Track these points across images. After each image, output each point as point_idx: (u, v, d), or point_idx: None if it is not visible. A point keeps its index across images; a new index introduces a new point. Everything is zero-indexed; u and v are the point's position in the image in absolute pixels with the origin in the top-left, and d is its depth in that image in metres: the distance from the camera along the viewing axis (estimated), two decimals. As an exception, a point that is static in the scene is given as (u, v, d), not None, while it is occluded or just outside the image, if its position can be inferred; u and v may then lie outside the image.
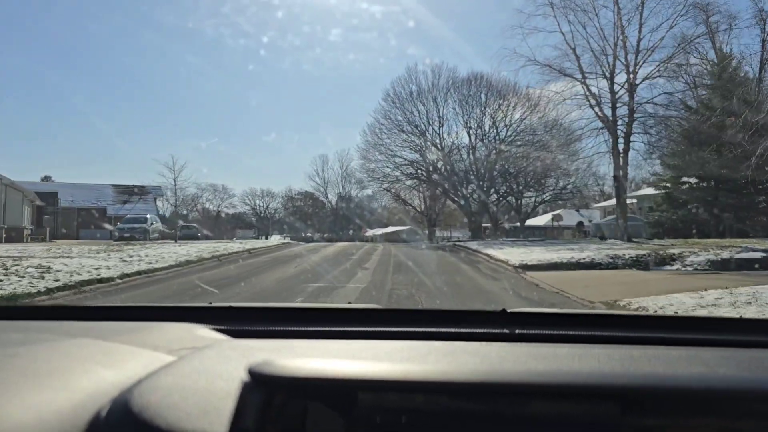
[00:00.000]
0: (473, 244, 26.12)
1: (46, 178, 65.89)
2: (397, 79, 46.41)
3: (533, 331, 1.24)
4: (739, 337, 1.22)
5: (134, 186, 53.27)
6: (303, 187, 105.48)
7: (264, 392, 0.63)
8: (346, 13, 49.13)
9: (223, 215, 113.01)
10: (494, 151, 41.47)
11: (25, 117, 74.87)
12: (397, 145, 46.81)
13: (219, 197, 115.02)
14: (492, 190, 44.79)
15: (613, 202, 46.84)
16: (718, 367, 0.95)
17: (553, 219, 56.35)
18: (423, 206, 64.57)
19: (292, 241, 35.26)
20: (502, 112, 42.59)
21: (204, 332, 1.22)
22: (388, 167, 47.96)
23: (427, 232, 60.67)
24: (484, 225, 49.58)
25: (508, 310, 1.32)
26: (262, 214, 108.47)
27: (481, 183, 44.10)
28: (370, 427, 0.63)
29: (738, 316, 2.30)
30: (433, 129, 46.15)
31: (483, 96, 43.44)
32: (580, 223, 50.61)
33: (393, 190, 55.21)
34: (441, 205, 63.49)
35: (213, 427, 0.64)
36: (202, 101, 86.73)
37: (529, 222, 55.07)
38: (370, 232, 77.68)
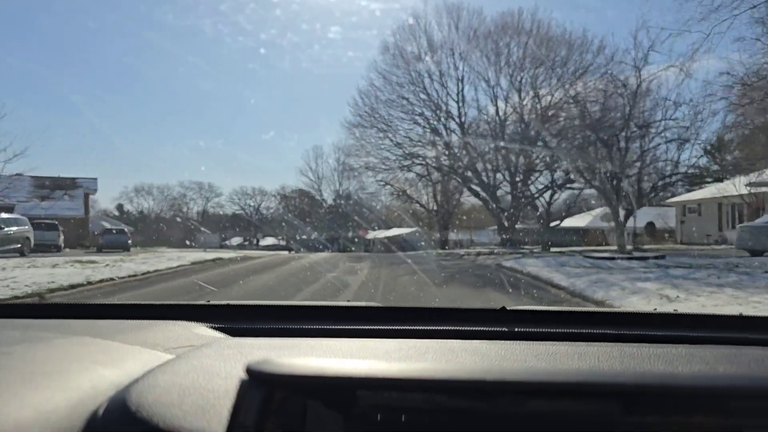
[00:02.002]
0: (537, 269, 12.86)
1: (19, 176, 57.58)
2: (400, 26, 33.30)
3: (533, 329, 1.22)
4: (739, 335, 1.20)
5: (59, 178, 40.12)
6: (297, 184, 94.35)
7: (263, 390, 0.61)
8: (346, 11, 43.66)
9: (209, 215, 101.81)
10: (547, 114, 27.79)
11: (20, 115, 71.51)
12: (400, 118, 33.53)
13: (204, 196, 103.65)
14: (541, 172, 31.16)
15: (699, 195, 33.19)
16: (718, 364, 0.94)
17: (604, 218, 42.43)
18: (434, 204, 51.32)
19: (221, 256, 21.55)
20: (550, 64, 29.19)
21: (202, 330, 1.21)
22: (388, 151, 34.68)
23: (438, 235, 47.38)
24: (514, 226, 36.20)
25: (508, 308, 1.31)
26: (253, 215, 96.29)
27: (517, 168, 30.69)
28: (370, 426, 0.62)
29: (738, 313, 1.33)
30: (449, 95, 32.84)
31: (525, 45, 30.07)
32: (651, 225, 36.91)
33: (393, 184, 42.18)
34: (456, 201, 50.23)
35: (211, 426, 0.64)
36: (199, 99, 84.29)
37: (558, 223, 41.93)
38: (371, 234, 65.71)
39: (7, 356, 0.87)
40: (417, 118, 33.04)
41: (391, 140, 33.39)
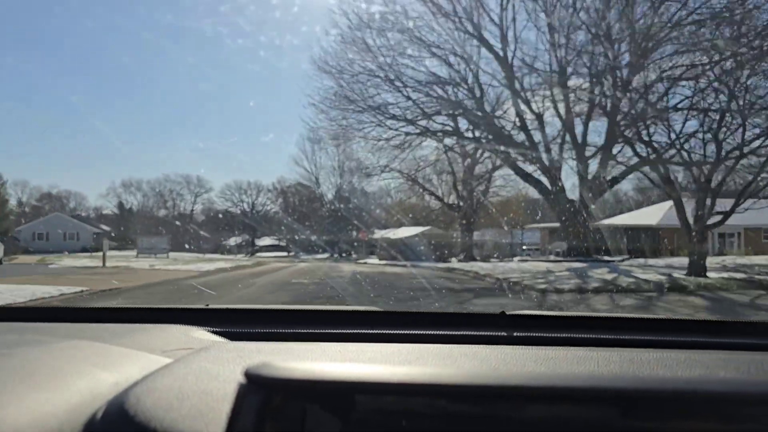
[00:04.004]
0: None
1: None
2: None
3: (532, 334, 1.20)
4: (739, 339, 1.18)
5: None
6: (293, 176, 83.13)
7: (261, 395, 0.61)
8: (345, 11, 33.46)
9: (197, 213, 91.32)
10: None
11: (20, 117, 71.01)
12: (404, 57, 21.01)
13: (193, 192, 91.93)
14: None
15: None
16: (718, 369, 0.93)
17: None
18: (453, 195, 38.88)
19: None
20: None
21: (201, 334, 1.18)
22: (388, 115, 22.21)
23: (459, 235, 34.94)
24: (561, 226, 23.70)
25: (507, 313, 1.28)
26: (248, 213, 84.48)
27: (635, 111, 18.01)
28: (369, 430, 0.61)
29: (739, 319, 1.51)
30: (484, 8, 20.34)
31: None
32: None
33: (400, 169, 29.98)
34: (484, 190, 37.60)
35: (209, 430, 0.63)
36: (199, 96, 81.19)
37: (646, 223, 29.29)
38: (378, 234, 53.39)
39: (5, 359, 0.85)
40: (426, 59, 20.50)
41: (400, 90, 20.75)
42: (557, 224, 37.74)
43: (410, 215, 41.63)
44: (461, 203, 36.24)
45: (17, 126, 72.87)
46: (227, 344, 1.07)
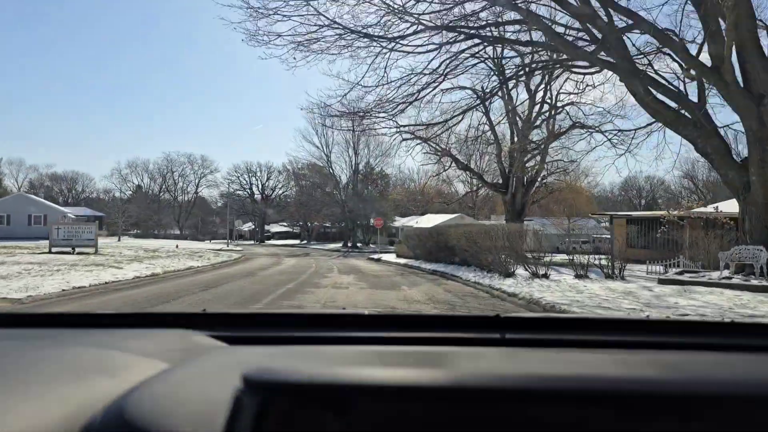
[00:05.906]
0: None
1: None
2: None
3: (525, 336, 1.20)
4: (731, 341, 1.18)
5: None
6: (300, 153, 73.12)
7: (259, 399, 0.60)
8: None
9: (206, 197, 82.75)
10: None
11: (17, 95, 59.90)
12: None
13: (197, 172, 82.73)
14: None
15: None
16: (710, 370, 0.93)
17: None
18: (497, 169, 28.38)
19: None
20: None
21: (199, 339, 1.18)
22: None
23: (504, 227, 24.50)
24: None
25: (502, 315, 1.27)
26: (256, 196, 75.09)
27: None
28: None
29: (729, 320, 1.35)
30: None
31: None
32: None
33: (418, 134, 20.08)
34: (538, 163, 26.94)
35: None
36: (205, 80, 68.71)
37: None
38: (400, 222, 43.63)
39: (1, 366, 0.84)
40: None
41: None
42: (644, 213, 26.47)
43: (438, 201, 31.39)
44: (510, 182, 25.66)
45: (13, 104, 70.98)
46: (225, 348, 1.06)
